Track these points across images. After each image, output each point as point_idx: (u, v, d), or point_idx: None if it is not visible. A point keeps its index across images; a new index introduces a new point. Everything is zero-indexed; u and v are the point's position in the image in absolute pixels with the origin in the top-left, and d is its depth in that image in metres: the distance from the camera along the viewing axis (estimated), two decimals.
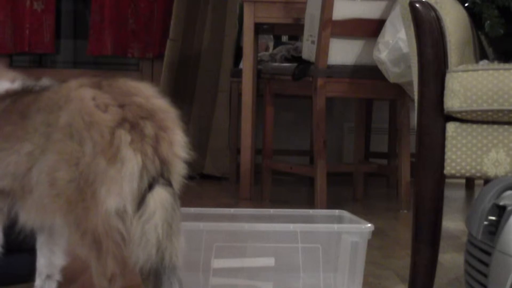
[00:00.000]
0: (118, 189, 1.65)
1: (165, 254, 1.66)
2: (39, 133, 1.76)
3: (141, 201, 1.67)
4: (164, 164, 1.70)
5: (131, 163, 1.66)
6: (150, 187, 1.67)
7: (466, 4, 2.43)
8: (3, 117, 1.84)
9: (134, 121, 1.69)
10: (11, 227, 1.91)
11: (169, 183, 1.70)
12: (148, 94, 1.77)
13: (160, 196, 1.67)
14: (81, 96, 1.72)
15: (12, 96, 1.88)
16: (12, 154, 1.79)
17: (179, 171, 1.74)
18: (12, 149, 1.79)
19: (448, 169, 2.17)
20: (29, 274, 2.10)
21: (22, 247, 2.12)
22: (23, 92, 1.87)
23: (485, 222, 1.83)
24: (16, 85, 1.93)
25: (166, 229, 1.66)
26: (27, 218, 1.83)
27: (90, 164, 1.66)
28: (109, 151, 1.65)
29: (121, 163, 1.65)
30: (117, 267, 1.68)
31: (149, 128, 1.69)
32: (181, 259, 1.70)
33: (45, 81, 1.92)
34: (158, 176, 1.68)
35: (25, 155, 1.77)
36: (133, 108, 1.71)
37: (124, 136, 1.66)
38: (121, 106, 1.70)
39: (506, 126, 2.14)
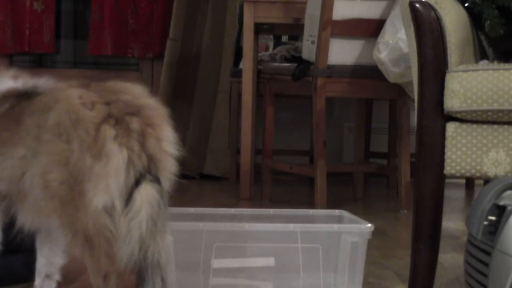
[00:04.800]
0: (104, 185, 1.64)
1: (148, 251, 1.65)
2: (31, 136, 1.76)
3: (128, 198, 1.66)
4: (151, 160, 1.68)
5: (116, 158, 1.65)
6: (137, 183, 1.66)
7: (466, 4, 2.42)
8: (1, 123, 1.85)
9: (119, 117, 1.68)
10: (10, 227, 1.91)
11: (156, 180, 1.69)
12: (137, 93, 1.77)
13: (146, 193, 1.66)
14: (68, 96, 1.72)
15: (12, 99, 1.88)
16: (8, 159, 1.80)
17: (168, 168, 1.72)
18: (7, 154, 1.80)
19: (448, 169, 2.17)
20: (28, 274, 2.10)
21: (21, 247, 2.12)
22: (21, 97, 1.88)
23: (485, 222, 1.83)
24: (19, 83, 1.93)
25: (150, 226, 1.65)
26: (25, 220, 1.83)
27: (78, 162, 1.66)
28: (94, 147, 1.65)
29: (107, 159, 1.64)
30: (111, 265, 1.67)
31: (135, 124, 1.68)
32: (165, 257, 1.69)
33: (46, 81, 1.92)
34: (145, 172, 1.67)
35: (18, 160, 1.77)
36: (120, 104, 1.71)
37: (108, 131, 1.66)
38: (108, 103, 1.70)
39: (506, 126, 2.14)
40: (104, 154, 1.65)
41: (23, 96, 1.87)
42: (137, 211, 1.65)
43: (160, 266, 1.67)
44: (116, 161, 1.65)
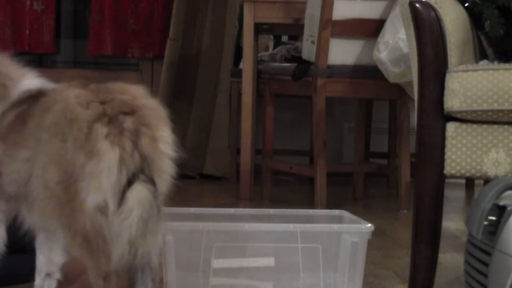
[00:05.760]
0: (96, 183, 1.62)
1: (137, 252, 1.62)
2: (33, 137, 1.76)
3: (122, 197, 1.63)
4: (144, 160, 1.65)
5: (108, 156, 1.63)
6: (130, 182, 1.63)
7: (466, 4, 2.43)
8: (13, 124, 1.85)
9: (113, 115, 1.66)
10: (16, 228, 1.91)
11: (150, 180, 1.65)
12: (137, 94, 1.75)
13: (138, 193, 1.63)
14: (66, 96, 1.72)
15: (30, 100, 1.88)
16: (15, 161, 1.80)
17: (164, 168, 1.69)
18: (14, 156, 1.80)
19: (448, 169, 2.17)
20: (30, 274, 2.10)
21: (25, 248, 2.12)
22: (32, 98, 1.88)
23: (485, 222, 1.83)
24: (39, 84, 1.94)
25: (141, 227, 1.62)
26: (33, 221, 1.84)
27: (71, 161, 1.65)
28: (87, 145, 1.63)
29: (98, 157, 1.62)
30: (111, 265, 1.66)
31: (128, 123, 1.66)
32: (156, 258, 1.67)
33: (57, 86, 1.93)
34: (138, 172, 1.64)
35: (24, 162, 1.77)
36: (115, 104, 1.69)
37: (100, 129, 1.64)
38: (103, 102, 1.69)
39: (506, 126, 2.14)
40: (95, 152, 1.62)
41: (33, 98, 1.87)
42: (130, 211, 1.62)
43: (150, 268, 1.66)
44: (108, 159, 1.62)
